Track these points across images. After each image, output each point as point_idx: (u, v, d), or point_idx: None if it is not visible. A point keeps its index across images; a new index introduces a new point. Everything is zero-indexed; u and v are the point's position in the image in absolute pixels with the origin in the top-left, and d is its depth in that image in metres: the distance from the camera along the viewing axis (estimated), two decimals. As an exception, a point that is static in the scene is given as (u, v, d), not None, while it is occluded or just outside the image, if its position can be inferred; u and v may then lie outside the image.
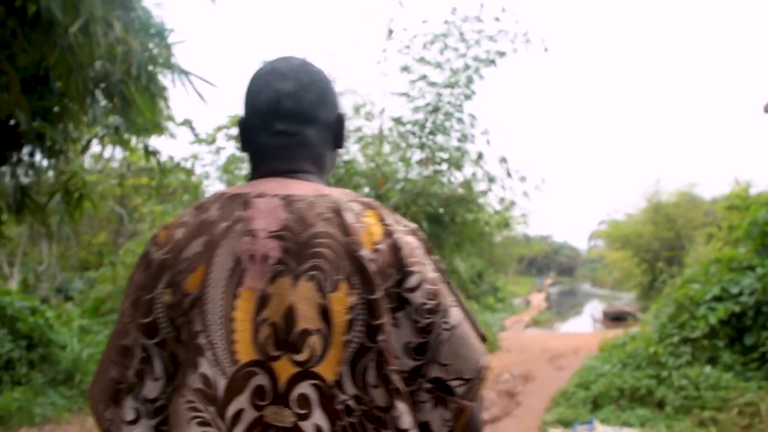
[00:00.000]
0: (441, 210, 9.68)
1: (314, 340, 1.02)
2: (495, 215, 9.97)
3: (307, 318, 1.03)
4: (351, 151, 9.90)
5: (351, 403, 1.02)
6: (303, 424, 1.01)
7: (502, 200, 9.79)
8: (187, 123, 16.27)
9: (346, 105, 10.03)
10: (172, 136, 17.53)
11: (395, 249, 1.09)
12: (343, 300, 1.04)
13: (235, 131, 14.64)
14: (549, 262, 73.60)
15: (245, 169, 13.28)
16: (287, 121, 1.18)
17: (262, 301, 1.04)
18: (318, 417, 1.01)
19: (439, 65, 9.98)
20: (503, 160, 9.29)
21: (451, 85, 9.94)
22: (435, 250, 1.37)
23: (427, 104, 10.00)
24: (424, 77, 10.06)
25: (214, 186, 15.62)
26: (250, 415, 1.01)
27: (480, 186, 9.78)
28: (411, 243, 1.12)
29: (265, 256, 1.05)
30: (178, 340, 1.06)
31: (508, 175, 9.77)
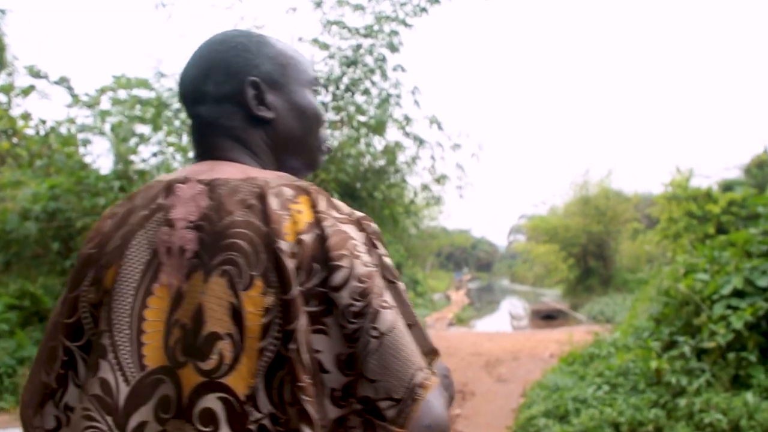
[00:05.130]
0: (358, 184, 8.01)
1: (223, 346, 0.84)
2: (423, 190, 8.33)
3: (215, 320, 0.85)
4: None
5: (266, 422, 0.83)
6: None
7: (432, 170, 8.11)
8: (63, 81, 13.92)
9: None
10: (45, 95, 15.10)
11: (322, 239, 0.88)
12: (258, 300, 0.85)
13: (122, 94, 12.67)
14: (467, 257, 73.41)
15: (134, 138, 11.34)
16: (186, 105, 1.07)
17: (176, 300, 0.88)
18: None
19: (360, 7, 8.32)
20: (434, 120, 7.60)
21: (372, 34, 8.29)
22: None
23: (344, 56, 8.35)
24: (340, 21, 8.36)
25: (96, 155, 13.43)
26: (152, 428, 0.86)
27: (406, 154, 8.12)
28: (346, 232, 0.89)
29: (182, 249, 0.90)
30: None
31: (439, 144, 8.19)
